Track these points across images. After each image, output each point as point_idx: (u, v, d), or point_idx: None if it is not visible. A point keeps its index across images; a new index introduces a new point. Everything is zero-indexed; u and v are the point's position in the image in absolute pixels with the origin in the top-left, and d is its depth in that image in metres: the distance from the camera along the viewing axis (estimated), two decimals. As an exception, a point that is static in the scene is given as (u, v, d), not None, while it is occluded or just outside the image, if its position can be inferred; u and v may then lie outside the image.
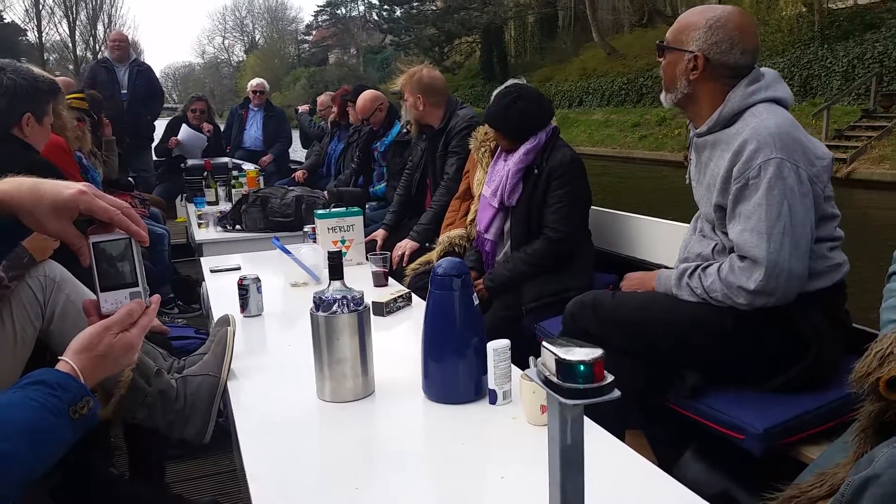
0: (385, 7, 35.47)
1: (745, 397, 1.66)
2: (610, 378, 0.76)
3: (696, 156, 1.83)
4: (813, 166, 1.63)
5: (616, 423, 1.43)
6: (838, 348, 1.68)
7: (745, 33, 1.71)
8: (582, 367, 0.75)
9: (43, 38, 43.01)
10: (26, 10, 42.88)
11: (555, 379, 0.75)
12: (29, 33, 44.30)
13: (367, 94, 4.36)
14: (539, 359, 0.79)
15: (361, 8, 42.88)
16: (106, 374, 1.00)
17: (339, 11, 50.62)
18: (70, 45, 44.48)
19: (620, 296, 1.89)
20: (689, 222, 2.01)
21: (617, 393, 0.76)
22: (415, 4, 33.31)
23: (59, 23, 44.67)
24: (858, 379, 1.03)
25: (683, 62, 1.73)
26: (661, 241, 2.58)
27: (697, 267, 1.73)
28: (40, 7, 42.47)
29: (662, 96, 1.85)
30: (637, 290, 1.94)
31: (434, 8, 31.81)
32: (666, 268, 2.47)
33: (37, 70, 2.17)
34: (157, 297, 1.05)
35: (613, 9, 24.87)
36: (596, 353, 0.76)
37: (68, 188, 0.95)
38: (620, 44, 23.60)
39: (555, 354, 0.75)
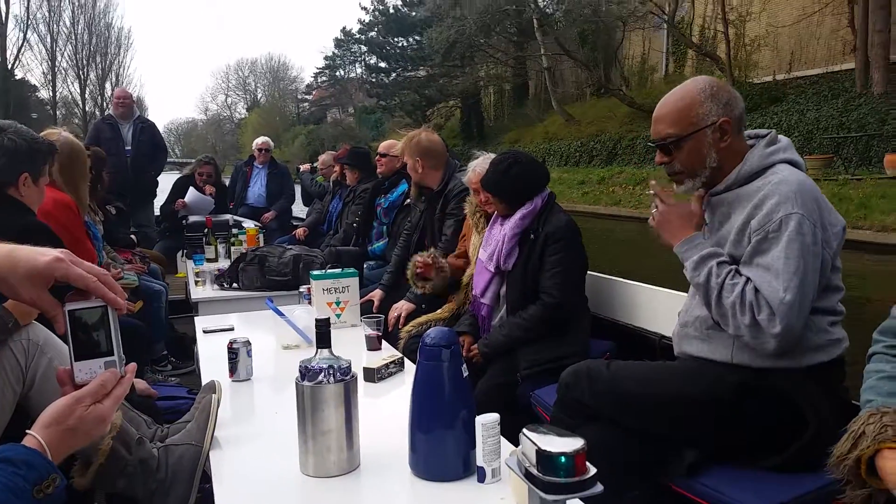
0: (373, 74, 39.86)
1: (742, 476, 1.61)
2: (593, 471, 0.73)
3: (710, 215, 1.81)
4: (825, 231, 1.63)
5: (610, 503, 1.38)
6: (838, 426, 1.63)
7: (728, 90, 1.77)
8: (563, 459, 0.72)
9: (56, 95, 45.29)
10: (43, 73, 45.82)
11: (535, 471, 0.72)
12: (42, 90, 46.82)
13: (394, 141, 4.36)
14: (520, 447, 0.76)
15: (359, 70, 45.84)
16: (76, 448, 0.97)
17: (337, 73, 52.93)
18: (80, 102, 46.88)
19: (616, 367, 1.85)
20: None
21: (600, 487, 0.73)
22: (400, 72, 37.37)
23: (72, 83, 47.62)
24: (836, 463, 0.99)
25: (708, 137, 1.73)
26: (659, 309, 2.56)
27: (733, 269, 1.66)
28: (56, 69, 45.34)
29: (682, 188, 1.81)
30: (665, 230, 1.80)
31: (418, 76, 35.34)
32: (663, 337, 2.46)
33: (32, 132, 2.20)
34: (132, 367, 1.03)
35: (575, 80, 28.13)
36: (577, 443, 0.73)
37: (44, 255, 0.94)
38: (576, 111, 26.59)
39: (535, 445, 0.73)
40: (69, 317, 0.96)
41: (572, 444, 0.74)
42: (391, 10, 38.76)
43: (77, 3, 46.48)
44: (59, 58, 46.16)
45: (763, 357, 1.63)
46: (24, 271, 0.93)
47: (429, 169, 3.38)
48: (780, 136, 1.79)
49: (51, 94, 46.62)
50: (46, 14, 44.69)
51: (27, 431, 0.92)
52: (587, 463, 0.74)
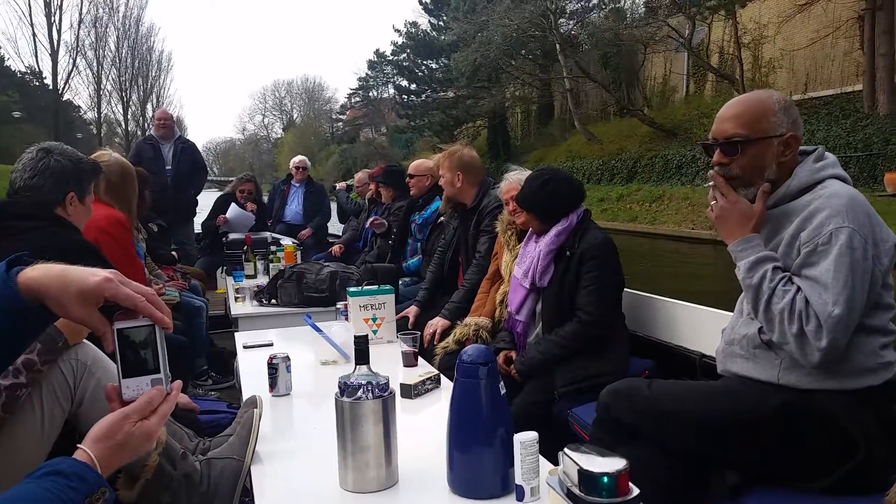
0: (403, 95, 41.49)
1: (787, 499, 1.57)
2: (636, 491, 0.73)
3: None
4: (877, 247, 1.60)
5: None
6: (889, 451, 1.58)
7: (796, 109, 1.75)
8: (606, 479, 0.72)
9: (101, 117, 48.03)
10: (90, 96, 48.32)
11: (577, 490, 0.72)
12: (88, 112, 49.30)
13: (425, 160, 4.44)
14: (560, 466, 0.76)
15: (391, 91, 46.87)
16: (123, 463, 0.99)
17: (370, 94, 54.24)
18: (123, 123, 49.46)
19: (657, 385, 1.83)
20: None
21: (643, 508, 0.72)
22: (429, 94, 38.91)
23: (116, 105, 50.17)
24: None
25: (773, 147, 1.72)
26: (700, 327, 2.52)
27: (787, 276, 1.63)
28: (101, 92, 47.90)
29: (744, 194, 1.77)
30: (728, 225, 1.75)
31: (446, 97, 36.72)
32: (703, 356, 2.42)
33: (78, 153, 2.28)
34: (178, 384, 1.05)
35: (598, 101, 28.94)
36: (620, 464, 0.73)
37: (94, 276, 0.97)
38: (598, 131, 27.33)
39: (577, 464, 0.72)
40: (118, 335, 0.99)
41: (615, 464, 0.73)
42: (420, 35, 40.15)
43: (122, 29, 48.75)
44: (104, 81, 48.39)
45: (811, 378, 1.60)
46: (75, 291, 0.96)
47: (467, 184, 3.39)
48: (826, 153, 1.76)
49: (96, 115, 48.96)
50: (94, 40, 46.90)
51: (78, 446, 0.95)
52: (630, 483, 0.74)
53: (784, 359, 1.64)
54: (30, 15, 44.58)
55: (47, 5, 42.81)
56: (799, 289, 1.58)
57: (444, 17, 36.38)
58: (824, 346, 1.52)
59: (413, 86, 41.38)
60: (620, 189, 21.76)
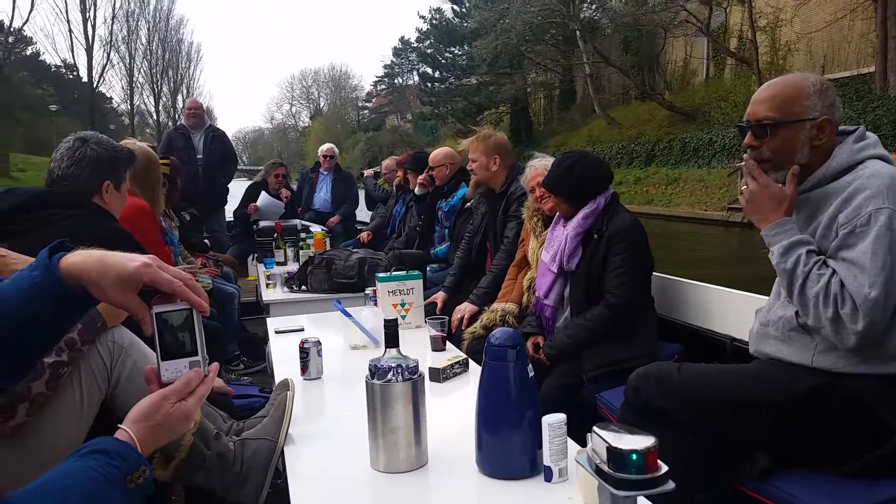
0: (427, 83, 42.35)
1: (817, 481, 1.56)
2: (664, 468, 0.73)
3: (795, 214, 1.75)
4: None
5: (679, 506, 1.36)
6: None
7: (833, 92, 1.72)
8: (634, 457, 0.72)
9: (134, 108, 49.76)
10: (122, 88, 50.18)
11: (606, 467, 0.73)
12: (121, 105, 51.23)
13: (441, 150, 4.47)
14: (590, 444, 0.77)
15: (416, 78, 47.55)
16: (162, 443, 1.02)
17: (396, 81, 54.80)
18: (154, 114, 50.81)
19: (687, 369, 1.82)
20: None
21: (671, 485, 0.72)
22: (452, 80, 39.63)
23: (147, 96, 51.84)
24: None
25: (805, 131, 1.69)
26: (730, 311, 2.49)
27: (822, 259, 1.61)
28: (133, 84, 49.57)
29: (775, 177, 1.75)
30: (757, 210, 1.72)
31: (469, 83, 37.16)
32: (734, 339, 2.40)
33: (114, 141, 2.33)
34: (215, 366, 1.08)
35: (620, 85, 29.20)
36: (649, 441, 0.73)
37: (133, 261, 1.00)
38: (618, 115, 27.82)
39: (606, 442, 0.73)
40: (156, 319, 1.01)
41: (643, 441, 0.74)
42: (444, 22, 40.96)
43: (152, 23, 50.14)
44: (135, 73, 49.79)
45: (845, 362, 1.58)
46: (114, 276, 0.98)
47: (501, 167, 3.39)
48: (867, 133, 1.72)
49: (129, 107, 50.49)
50: (126, 34, 48.42)
51: (119, 426, 0.98)
52: (658, 461, 0.74)
53: (819, 342, 1.62)
54: (66, 11, 45.91)
55: (82, 1, 44.24)
56: (834, 272, 1.56)
57: (467, 5, 37.06)
58: (860, 329, 1.49)
59: (437, 73, 42.11)
60: (638, 172, 22.06)
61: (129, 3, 47.99)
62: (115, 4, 48.02)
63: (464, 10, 38.28)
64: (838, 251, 1.58)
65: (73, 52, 46.64)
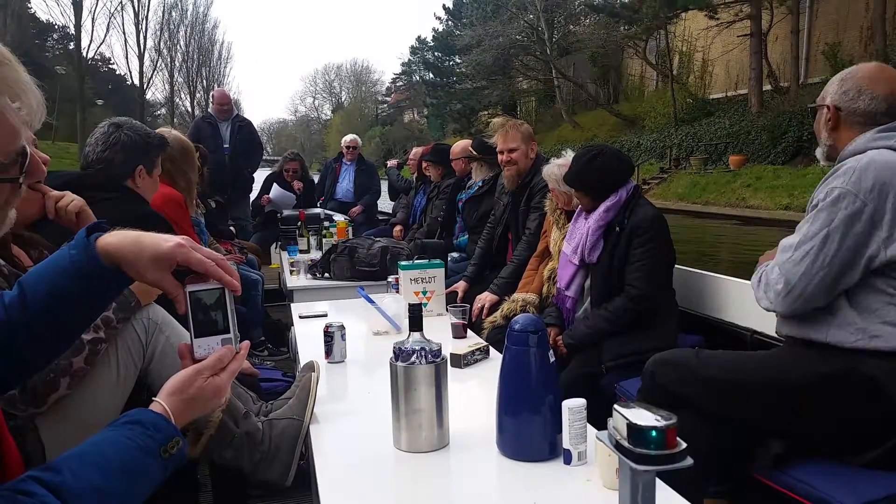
0: (429, 88, 47.69)
1: (833, 470, 1.57)
2: (683, 445, 0.75)
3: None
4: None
5: (695, 491, 1.38)
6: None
7: (874, 81, 1.74)
8: (654, 433, 0.75)
9: (174, 109, 52.38)
10: (163, 91, 52.54)
11: (626, 443, 0.75)
12: (162, 108, 54.14)
13: (459, 143, 4.53)
14: (611, 422, 0.79)
15: (430, 75, 50.35)
16: (195, 416, 1.05)
17: (413, 77, 56.70)
18: (191, 112, 53.14)
19: (704, 355, 1.84)
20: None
21: (690, 461, 0.75)
22: (450, 86, 44.77)
23: (186, 97, 54.77)
24: None
25: (823, 115, 1.81)
26: (751, 304, 2.47)
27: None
28: (174, 87, 52.52)
29: (818, 152, 1.92)
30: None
31: (465, 88, 41.94)
32: (755, 332, 2.40)
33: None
34: (246, 344, 1.11)
35: (585, 94, 34.47)
36: (669, 418, 0.75)
37: (167, 241, 1.03)
38: (581, 120, 33.40)
39: (626, 419, 0.75)
40: (189, 297, 1.05)
41: (664, 418, 0.76)
42: (443, 36, 45.83)
43: (191, 29, 52.81)
44: (175, 76, 52.20)
45: (856, 336, 1.60)
46: (149, 255, 1.02)
47: (533, 155, 3.42)
48: None
49: (169, 108, 52.89)
50: (167, 39, 50.95)
51: (154, 399, 1.02)
52: (678, 438, 0.77)
53: (830, 317, 1.66)
54: (122, 24, 48.40)
55: (136, 14, 47.31)
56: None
57: (463, 20, 41.85)
58: (780, 290, 1.64)
59: (438, 78, 47.21)
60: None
61: (169, 13, 50.62)
62: (163, 16, 50.61)
63: (461, 23, 42.46)
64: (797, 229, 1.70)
65: (127, 60, 49.76)
